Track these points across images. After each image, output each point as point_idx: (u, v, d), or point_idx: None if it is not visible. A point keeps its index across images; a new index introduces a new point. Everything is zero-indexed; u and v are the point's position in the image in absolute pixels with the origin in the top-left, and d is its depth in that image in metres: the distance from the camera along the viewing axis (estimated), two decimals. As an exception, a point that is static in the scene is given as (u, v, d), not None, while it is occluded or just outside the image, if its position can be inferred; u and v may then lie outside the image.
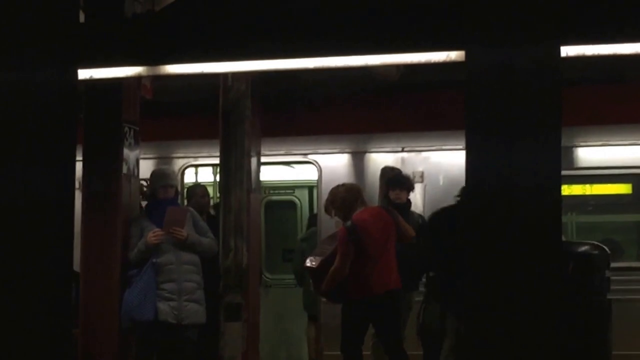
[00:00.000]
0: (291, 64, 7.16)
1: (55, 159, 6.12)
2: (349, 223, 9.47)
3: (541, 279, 5.10)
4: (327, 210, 10.13)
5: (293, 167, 13.43)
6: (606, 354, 9.00)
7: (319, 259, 9.49)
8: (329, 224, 11.80)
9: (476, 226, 5.18)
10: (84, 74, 6.89)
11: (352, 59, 6.41)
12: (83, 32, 6.86)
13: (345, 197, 9.73)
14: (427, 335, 10.41)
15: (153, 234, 9.07)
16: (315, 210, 13.01)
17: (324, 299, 10.90)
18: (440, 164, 11.84)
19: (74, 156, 6.36)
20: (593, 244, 9.19)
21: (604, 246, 9.17)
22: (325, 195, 12.09)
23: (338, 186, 10.08)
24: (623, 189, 11.91)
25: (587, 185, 12.04)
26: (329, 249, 9.51)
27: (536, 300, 5.09)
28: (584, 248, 9.18)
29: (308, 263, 9.54)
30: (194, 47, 6.75)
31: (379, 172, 11.21)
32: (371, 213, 9.67)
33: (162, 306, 9.04)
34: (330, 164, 12.28)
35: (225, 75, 10.61)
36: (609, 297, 9.04)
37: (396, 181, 10.46)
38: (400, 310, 9.69)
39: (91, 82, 8.11)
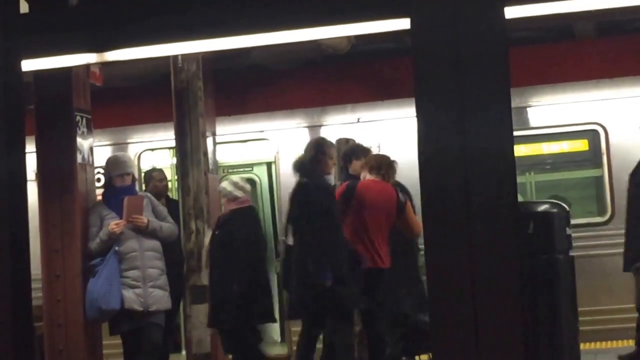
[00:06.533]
0: (240, 42, 7.07)
1: (4, 152, 6.02)
2: (350, 181, 9.59)
3: (500, 241, 5.10)
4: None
5: (250, 145, 13.37)
6: (572, 311, 9.06)
7: None
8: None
9: (431, 192, 5.17)
10: (29, 64, 6.77)
11: (297, 32, 6.33)
12: (25, 21, 6.74)
13: (378, 159, 9.83)
14: None
15: (115, 224, 9.01)
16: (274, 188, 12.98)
17: None
18: (396, 133, 11.83)
19: (24, 148, 6.26)
20: (552, 203, 9.24)
21: (563, 204, 9.22)
22: (283, 171, 12.11)
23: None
24: (580, 145, 11.99)
25: (545, 144, 12.10)
26: None
27: (497, 262, 5.09)
28: (543, 207, 9.23)
29: None
30: (141, 30, 6.64)
31: (336, 145, 11.16)
32: (377, 186, 9.63)
33: (128, 294, 9.00)
34: (286, 140, 12.23)
35: (175, 57, 10.53)
36: (571, 254, 9.11)
37: (352, 153, 10.34)
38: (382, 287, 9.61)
39: (39, 72, 8.00)
